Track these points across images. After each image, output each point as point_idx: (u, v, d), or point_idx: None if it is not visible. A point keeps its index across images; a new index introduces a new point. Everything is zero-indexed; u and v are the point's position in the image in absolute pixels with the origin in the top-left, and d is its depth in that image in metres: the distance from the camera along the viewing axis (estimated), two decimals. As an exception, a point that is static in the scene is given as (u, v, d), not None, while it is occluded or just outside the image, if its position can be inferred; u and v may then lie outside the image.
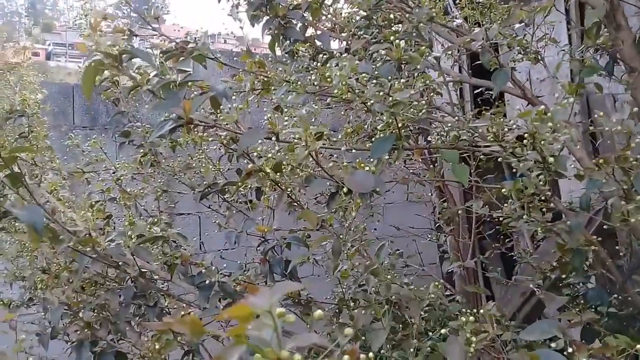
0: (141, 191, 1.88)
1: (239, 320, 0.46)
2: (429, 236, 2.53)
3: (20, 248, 2.07)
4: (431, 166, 1.53)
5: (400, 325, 1.43)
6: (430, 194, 2.57)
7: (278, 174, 1.38)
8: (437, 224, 2.13)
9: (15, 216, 1.04)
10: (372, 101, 1.06)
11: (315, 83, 1.19)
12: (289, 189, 1.34)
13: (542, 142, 1.04)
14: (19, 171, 1.19)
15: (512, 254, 2.46)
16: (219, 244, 3.26)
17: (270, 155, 1.18)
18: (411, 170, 2.23)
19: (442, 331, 1.00)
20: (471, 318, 0.92)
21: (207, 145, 1.98)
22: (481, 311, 0.93)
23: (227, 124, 1.17)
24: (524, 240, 2.44)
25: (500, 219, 1.49)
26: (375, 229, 2.56)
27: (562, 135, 1.04)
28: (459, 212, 2.10)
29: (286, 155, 1.17)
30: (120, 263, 1.29)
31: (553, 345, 0.93)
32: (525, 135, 1.18)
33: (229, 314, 0.44)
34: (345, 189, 1.03)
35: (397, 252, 1.87)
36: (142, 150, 1.85)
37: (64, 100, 4.00)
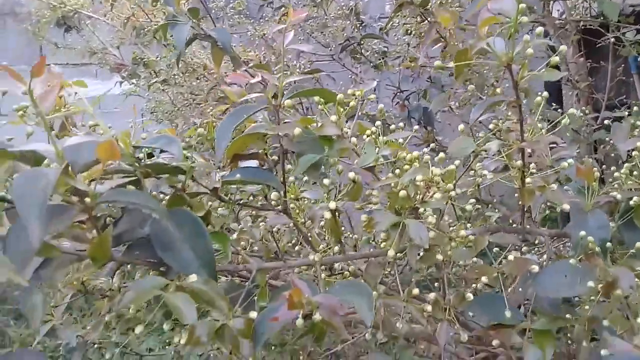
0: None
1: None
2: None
3: (172, 107, 2.32)
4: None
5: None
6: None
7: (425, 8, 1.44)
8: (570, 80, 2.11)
9: (209, 35, 1.20)
10: None
11: None
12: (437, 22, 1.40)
13: None
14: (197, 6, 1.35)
15: None
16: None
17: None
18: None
19: (606, 122, 1.06)
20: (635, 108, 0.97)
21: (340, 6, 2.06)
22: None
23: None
24: None
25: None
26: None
27: None
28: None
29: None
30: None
31: None
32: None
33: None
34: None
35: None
36: (282, 10, 1.96)
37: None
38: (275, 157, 0.65)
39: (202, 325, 0.50)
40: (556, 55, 0.58)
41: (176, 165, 0.58)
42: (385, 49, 2.07)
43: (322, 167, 0.58)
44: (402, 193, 0.53)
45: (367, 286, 0.50)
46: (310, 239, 0.69)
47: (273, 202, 0.62)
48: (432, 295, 0.62)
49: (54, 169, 0.43)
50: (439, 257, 0.63)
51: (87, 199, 0.47)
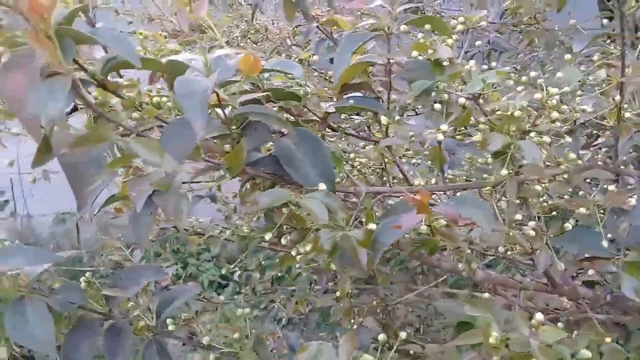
0: None
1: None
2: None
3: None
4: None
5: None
6: None
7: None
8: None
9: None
10: None
11: None
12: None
13: None
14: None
15: None
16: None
17: None
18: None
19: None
20: None
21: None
22: None
23: None
24: None
25: None
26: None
27: None
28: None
29: None
30: None
31: None
32: None
33: None
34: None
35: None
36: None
37: None
38: (379, 88, 0.67)
39: (325, 234, 0.54)
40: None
41: (293, 91, 0.61)
42: (443, 13, 2.06)
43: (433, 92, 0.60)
44: (518, 113, 0.55)
45: (483, 200, 0.52)
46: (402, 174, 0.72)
47: (378, 129, 0.65)
48: (532, 224, 0.64)
49: (210, 78, 0.46)
50: (538, 188, 0.65)
51: (227, 112, 0.51)
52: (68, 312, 0.62)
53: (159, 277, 0.67)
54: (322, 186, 0.53)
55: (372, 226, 0.54)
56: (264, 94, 0.57)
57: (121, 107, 0.48)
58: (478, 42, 0.74)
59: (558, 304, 1.34)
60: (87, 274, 0.66)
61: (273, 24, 2.19)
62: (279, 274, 1.54)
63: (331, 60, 1.53)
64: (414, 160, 0.76)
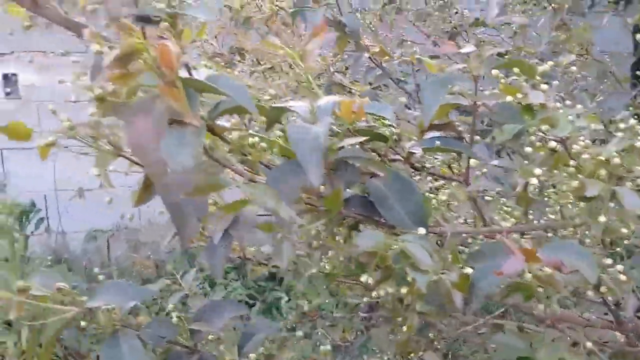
0: None
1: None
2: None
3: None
4: None
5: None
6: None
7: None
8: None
9: (339, 21, 1.26)
10: None
11: None
12: None
13: None
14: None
15: None
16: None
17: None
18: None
19: None
20: None
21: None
22: None
23: None
24: None
25: None
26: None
27: None
28: None
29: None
30: None
31: None
32: None
33: None
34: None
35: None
36: None
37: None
38: (460, 128, 0.68)
39: (421, 277, 0.54)
40: None
41: (381, 132, 0.62)
42: (483, 41, 2.06)
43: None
44: (616, 161, 0.54)
45: (582, 247, 0.52)
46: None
47: (456, 170, 0.66)
48: (619, 267, 0.63)
49: (320, 126, 0.47)
50: (624, 230, 0.65)
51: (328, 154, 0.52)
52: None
53: (241, 312, 0.68)
54: (422, 230, 0.53)
55: (468, 270, 0.54)
56: (363, 138, 0.57)
57: (229, 151, 0.50)
58: (555, 82, 0.74)
59: (610, 337, 1.32)
60: (170, 306, 0.67)
61: (315, 50, 2.22)
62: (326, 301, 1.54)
63: (372, 87, 1.54)
64: (487, 198, 0.76)
